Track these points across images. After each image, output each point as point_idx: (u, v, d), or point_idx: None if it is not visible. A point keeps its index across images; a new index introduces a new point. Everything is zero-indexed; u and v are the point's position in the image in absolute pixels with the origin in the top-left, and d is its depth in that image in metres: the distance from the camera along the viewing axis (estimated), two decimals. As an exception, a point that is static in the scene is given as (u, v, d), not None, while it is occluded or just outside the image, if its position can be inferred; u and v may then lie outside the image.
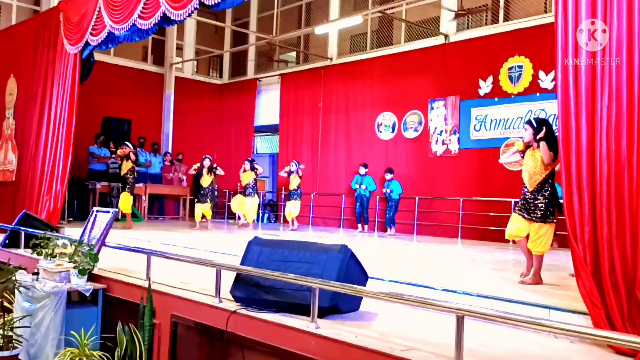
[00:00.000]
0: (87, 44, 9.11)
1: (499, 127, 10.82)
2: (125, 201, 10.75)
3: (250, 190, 12.00)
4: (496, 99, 10.90)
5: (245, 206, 12.09)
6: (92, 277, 5.44)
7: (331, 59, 14.46)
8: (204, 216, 11.68)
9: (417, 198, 11.87)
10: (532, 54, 10.48)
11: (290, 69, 16.06)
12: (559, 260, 6.74)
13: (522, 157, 5.21)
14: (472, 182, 11.13)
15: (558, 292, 4.62)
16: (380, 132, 12.94)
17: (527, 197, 5.01)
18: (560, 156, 3.69)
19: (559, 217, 4.80)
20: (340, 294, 3.92)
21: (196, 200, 11.93)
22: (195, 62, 17.46)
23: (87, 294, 5.20)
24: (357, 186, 12.29)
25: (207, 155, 12.02)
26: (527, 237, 5.02)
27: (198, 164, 11.94)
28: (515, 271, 6.20)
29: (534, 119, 5.24)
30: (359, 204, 12.29)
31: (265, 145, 18.19)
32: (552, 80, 10.16)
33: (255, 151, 17.18)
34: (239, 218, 12.49)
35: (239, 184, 13.01)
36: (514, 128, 10.61)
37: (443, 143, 11.66)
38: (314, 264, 4.04)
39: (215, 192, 12.46)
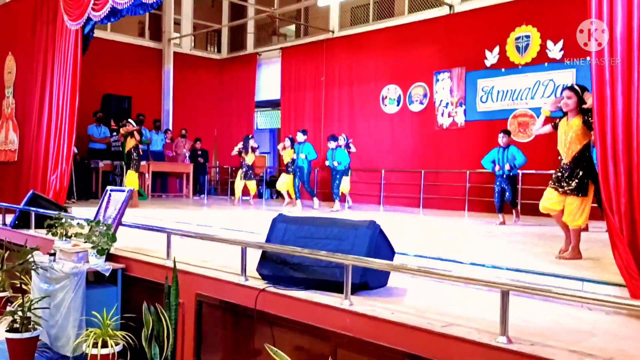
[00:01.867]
0: (88, 19, 8.91)
1: (507, 98, 10.72)
2: (132, 179, 10.68)
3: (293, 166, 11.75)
4: (503, 69, 10.78)
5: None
6: (110, 257, 5.39)
7: (333, 32, 14.25)
8: (244, 194, 12.47)
9: (422, 171, 11.82)
10: (539, 23, 10.33)
11: (291, 42, 15.84)
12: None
13: (554, 127, 5.05)
14: (478, 154, 10.98)
15: (586, 264, 4.58)
16: (385, 105, 12.82)
17: (563, 168, 4.85)
18: (595, 126, 3.61)
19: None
20: (369, 270, 3.88)
21: (240, 177, 12.40)
22: (192, 37, 17.18)
23: (107, 274, 5.15)
24: (335, 163, 11.10)
25: (249, 135, 12.85)
26: (562, 211, 4.91)
27: (240, 144, 12.43)
28: (535, 243, 6.19)
29: (577, 85, 5.02)
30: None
31: (265, 120, 18.05)
32: (561, 50, 10.05)
33: (255, 127, 17.04)
34: (291, 198, 11.96)
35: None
36: (521, 99, 10.51)
37: (449, 115, 11.55)
38: (342, 240, 3.99)
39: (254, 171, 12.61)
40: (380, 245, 4.03)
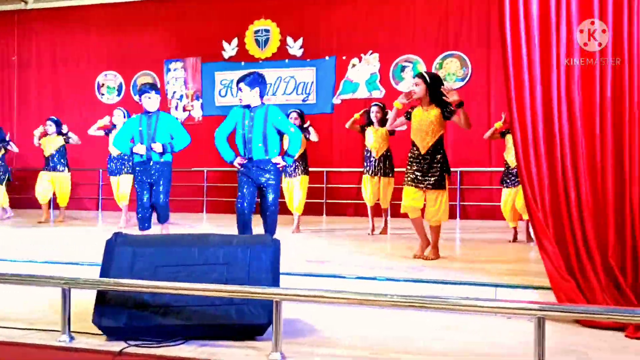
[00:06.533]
0: None
1: (247, 93, 10.23)
2: None
3: (57, 162, 8.30)
4: (243, 63, 10.26)
5: (56, 187, 8.41)
6: None
7: (26, 2, 11.65)
8: None
9: (151, 171, 10.51)
10: (279, 18, 10.15)
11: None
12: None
13: (407, 117, 4.69)
14: (218, 152, 10.29)
15: (474, 267, 4.29)
16: (102, 94, 11.03)
17: (419, 162, 4.50)
18: (515, 122, 3.31)
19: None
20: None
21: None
22: None
23: None
24: None
25: None
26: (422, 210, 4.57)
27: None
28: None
29: (426, 73, 4.72)
30: None
31: None
32: (301, 48, 10.04)
33: None
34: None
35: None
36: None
37: (184, 109, 10.53)
38: (231, 265, 2.88)
39: (7, 172, 8.85)
40: (278, 268, 3.03)
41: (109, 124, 7.94)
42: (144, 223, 5.25)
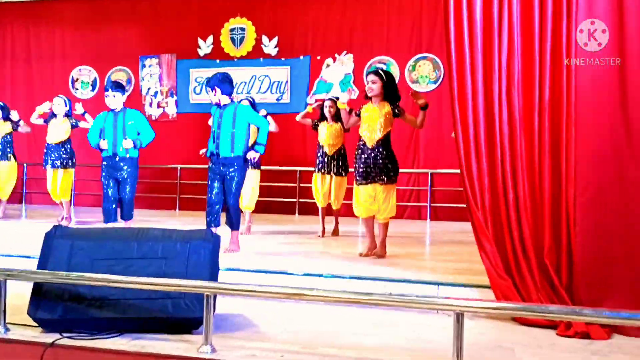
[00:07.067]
0: None
1: (222, 91, 10.23)
2: None
3: (1, 150, 7.87)
4: (218, 60, 10.27)
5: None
6: None
7: (2, -5, 11.58)
8: None
9: (124, 167, 10.48)
10: (254, 17, 10.16)
11: None
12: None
13: (358, 115, 4.73)
14: (192, 149, 10.26)
15: (423, 266, 4.34)
16: (77, 89, 10.97)
17: (367, 156, 4.53)
18: (457, 123, 3.37)
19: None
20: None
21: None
22: None
23: None
24: None
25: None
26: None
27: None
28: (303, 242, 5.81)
29: (382, 70, 4.78)
30: None
31: None
32: (276, 47, 10.07)
33: None
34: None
35: None
36: (237, 93, 10.14)
37: (159, 106, 10.50)
38: (169, 260, 2.91)
39: None
40: (217, 263, 3.07)
41: (48, 112, 7.57)
42: (109, 217, 5.38)
